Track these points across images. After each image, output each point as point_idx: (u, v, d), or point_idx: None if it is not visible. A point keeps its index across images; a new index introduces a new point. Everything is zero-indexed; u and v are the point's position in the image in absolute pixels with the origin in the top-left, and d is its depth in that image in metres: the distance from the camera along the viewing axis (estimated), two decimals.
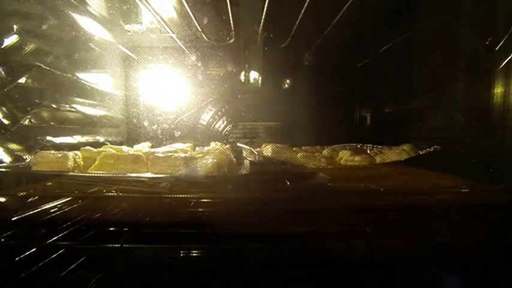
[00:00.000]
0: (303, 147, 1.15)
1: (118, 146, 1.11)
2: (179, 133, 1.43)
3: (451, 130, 0.96)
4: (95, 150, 0.92)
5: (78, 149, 0.93)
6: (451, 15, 0.95)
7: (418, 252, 0.70)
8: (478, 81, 0.82)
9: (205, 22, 1.18)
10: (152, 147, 1.23)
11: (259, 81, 1.45)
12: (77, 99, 1.13)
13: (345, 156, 0.93)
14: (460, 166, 0.87)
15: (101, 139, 1.27)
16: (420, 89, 1.14)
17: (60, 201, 0.77)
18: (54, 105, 1.00)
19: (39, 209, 0.73)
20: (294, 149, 1.03)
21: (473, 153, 0.83)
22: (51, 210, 0.75)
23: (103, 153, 0.85)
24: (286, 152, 0.92)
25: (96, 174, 0.74)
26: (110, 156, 0.81)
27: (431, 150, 0.84)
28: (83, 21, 1.08)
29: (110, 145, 1.09)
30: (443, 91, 0.99)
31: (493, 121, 0.77)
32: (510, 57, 0.72)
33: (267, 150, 0.96)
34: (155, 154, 0.85)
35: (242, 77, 1.43)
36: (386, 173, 0.90)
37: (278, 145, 0.98)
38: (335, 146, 1.12)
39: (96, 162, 0.79)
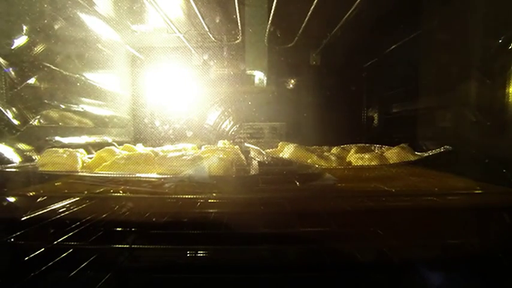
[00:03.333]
0: (311, 148, 1.14)
1: (134, 146, 1.11)
2: (186, 133, 1.43)
3: (461, 130, 0.95)
4: (117, 151, 0.92)
5: (86, 149, 0.94)
6: (462, 13, 0.93)
7: (429, 254, 0.69)
8: (490, 80, 0.80)
9: (212, 22, 1.17)
10: (154, 146, 1.23)
11: (266, 81, 1.44)
12: (85, 99, 1.14)
13: (355, 154, 0.92)
14: (471, 167, 0.86)
15: (109, 139, 1.27)
16: (429, 89, 1.12)
17: (69, 201, 0.77)
18: (62, 106, 1.01)
19: (48, 209, 0.73)
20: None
21: (485, 153, 0.81)
22: (60, 210, 0.75)
23: (125, 154, 0.85)
24: (308, 152, 0.91)
25: (104, 175, 0.74)
26: (121, 157, 0.81)
27: (442, 150, 0.82)
28: (91, 22, 1.08)
29: (129, 145, 1.09)
30: (454, 90, 0.97)
31: (507, 120, 0.75)
32: None
33: (289, 148, 0.96)
34: (165, 154, 0.85)
35: (249, 77, 1.42)
36: (395, 174, 0.89)
37: (300, 145, 0.97)
38: (343, 145, 1.11)
39: (107, 162, 0.79)
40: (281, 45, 1.34)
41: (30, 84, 0.86)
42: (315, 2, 0.95)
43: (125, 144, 1.08)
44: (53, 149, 0.82)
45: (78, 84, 1.08)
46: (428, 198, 0.72)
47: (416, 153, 0.87)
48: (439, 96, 1.07)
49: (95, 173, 0.77)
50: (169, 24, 1.14)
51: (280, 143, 1.10)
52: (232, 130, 1.51)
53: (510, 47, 0.73)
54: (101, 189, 0.74)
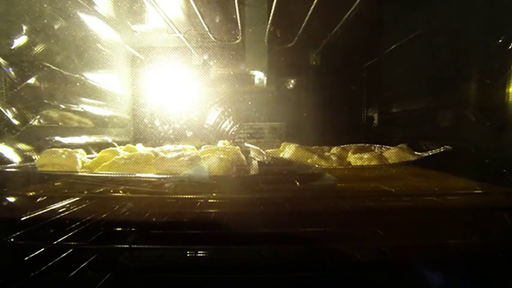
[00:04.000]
0: (312, 148, 1.14)
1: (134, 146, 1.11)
2: (186, 133, 1.43)
3: (461, 130, 0.95)
4: (120, 151, 0.92)
5: (86, 149, 0.94)
6: (462, 13, 0.93)
7: (429, 254, 0.69)
8: (491, 80, 0.80)
9: (212, 22, 1.17)
10: (154, 147, 1.23)
11: (266, 81, 1.44)
12: (85, 99, 1.14)
13: (354, 154, 0.92)
14: (471, 167, 0.86)
15: (109, 139, 1.27)
16: (429, 88, 1.12)
17: (69, 201, 0.77)
18: (62, 106, 1.01)
19: (48, 209, 0.73)
20: None
21: (486, 153, 0.81)
22: (60, 210, 0.75)
23: (125, 155, 0.85)
24: (308, 153, 0.91)
25: (104, 175, 0.74)
26: (121, 157, 0.81)
27: (442, 150, 0.82)
28: (91, 22, 1.08)
29: (130, 145, 1.08)
30: (454, 90, 0.97)
31: (507, 120, 0.75)
32: None
33: (290, 148, 0.96)
34: (165, 154, 0.85)
35: (249, 77, 1.43)
36: (395, 174, 0.89)
37: (301, 145, 0.98)
38: (343, 145, 1.11)
39: (107, 162, 0.79)
40: (281, 45, 1.34)
41: (30, 84, 0.86)
42: (315, 1, 0.95)
43: (126, 145, 1.08)
44: (53, 149, 0.82)
45: (78, 84, 1.08)
46: (428, 198, 0.72)
47: (416, 153, 0.87)
48: (439, 96, 1.07)
49: (95, 173, 0.76)
50: (169, 24, 1.14)
51: (283, 143, 1.10)
52: (232, 130, 1.51)
53: (510, 47, 0.73)
54: (101, 189, 0.74)
